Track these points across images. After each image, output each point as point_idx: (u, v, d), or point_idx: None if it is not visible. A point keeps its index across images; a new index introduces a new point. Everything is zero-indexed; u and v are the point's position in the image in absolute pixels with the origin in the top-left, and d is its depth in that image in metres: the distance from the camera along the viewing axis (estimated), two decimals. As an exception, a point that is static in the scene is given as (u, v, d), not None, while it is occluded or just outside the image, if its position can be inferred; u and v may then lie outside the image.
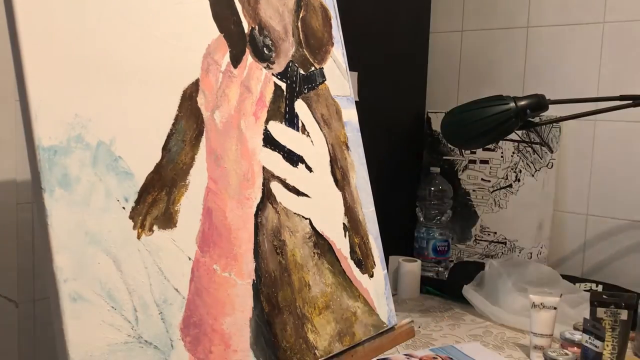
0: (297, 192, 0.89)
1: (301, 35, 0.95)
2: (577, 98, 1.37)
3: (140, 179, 0.68)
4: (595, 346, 1.05)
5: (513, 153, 1.66)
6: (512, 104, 1.23)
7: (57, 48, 0.62)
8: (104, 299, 0.62)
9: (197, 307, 0.71)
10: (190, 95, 0.75)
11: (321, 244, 0.91)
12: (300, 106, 0.93)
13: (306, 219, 0.90)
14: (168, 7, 0.75)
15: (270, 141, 0.86)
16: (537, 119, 1.41)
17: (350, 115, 1.04)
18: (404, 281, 1.60)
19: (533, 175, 1.64)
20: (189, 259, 0.71)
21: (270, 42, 0.89)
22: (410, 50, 1.82)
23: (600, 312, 1.10)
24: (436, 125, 1.80)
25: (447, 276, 1.66)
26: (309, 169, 0.92)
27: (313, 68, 0.97)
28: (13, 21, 0.59)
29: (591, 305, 1.11)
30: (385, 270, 1.05)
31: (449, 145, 1.76)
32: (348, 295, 0.93)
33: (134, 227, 0.66)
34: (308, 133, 0.93)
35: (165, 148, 0.71)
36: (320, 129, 0.96)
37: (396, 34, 1.74)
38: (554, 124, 1.59)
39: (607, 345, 1.08)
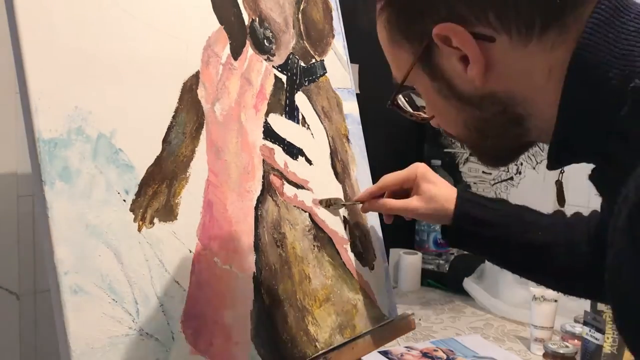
0: (297, 185, 0.89)
1: (302, 27, 0.95)
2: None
3: (141, 172, 0.67)
4: (596, 339, 1.05)
5: (514, 146, 1.66)
6: (514, 97, 1.22)
7: (57, 40, 0.62)
8: (105, 291, 0.62)
9: (198, 300, 0.71)
10: (190, 88, 0.75)
11: (321, 236, 0.91)
12: (300, 98, 0.92)
13: (306, 211, 0.89)
14: (168, -1, 0.75)
15: (270, 134, 0.86)
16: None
17: (351, 107, 1.04)
18: (405, 274, 1.60)
19: (534, 168, 1.63)
20: (190, 251, 0.71)
21: (271, 34, 0.88)
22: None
23: (601, 304, 1.10)
24: (437, 118, 1.80)
25: (447, 269, 1.66)
26: (309, 161, 0.92)
27: (314, 60, 0.97)
28: (13, 13, 0.59)
29: (592, 297, 1.11)
30: (386, 263, 1.05)
31: (450, 138, 1.76)
32: (348, 287, 0.93)
33: (135, 220, 0.66)
34: (308, 126, 0.93)
35: (166, 140, 0.71)
36: (321, 121, 0.96)
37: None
38: (556, 116, 1.58)
39: (608, 338, 1.08)
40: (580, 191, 1.60)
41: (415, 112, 0.72)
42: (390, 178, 0.93)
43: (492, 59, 0.54)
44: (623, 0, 0.52)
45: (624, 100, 0.49)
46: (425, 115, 0.70)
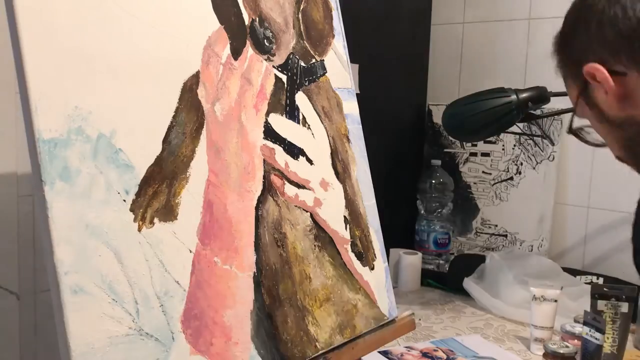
0: (298, 185, 0.89)
1: (302, 27, 0.95)
2: (579, 90, 1.36)
3: (141, 172, 0.67)
4: (596, 339, 1.05)
5: (514, 146, 1.66)
6: (514, 97, 1.22)
7: (56, 40, 0.62)
8: (105, 291, 0.62)
9: (198, 300, 0.71)
10: (190, 88, 0.75)
11: (322, 236, 0.91)
12: (301, 98, 0.92)
13: (307, 211, 0.89)
14: (168, -1, 0.75)
15: (271, 134, 0.86)
16: (538, 112, 1.41)
17: (351, 107, 1.04)
18: (405, 274, 1.60)
19: (534, 168, 1.63)
20: (190, 251, 0.71)
21: (271, 33, 0.88)
22: (412, 42, 1.82)
23: (601, 304, 1.10)
24: (437, 118, 1.80)
25: (447, 269, 1.66)
26: (310, 161, 0.92)
27: (314, 60, 0.97)
28: (13, 13, 0.59)
29: (592, 297, 1.12)
30: (386, 263, 1.05)
31: (450, 138, 1.76)
32: (349, 287, 0.93)
33: (135, 220, 0.66)
34: (309, 126, 0.93)
35: (166, 140, 0.71)
36: (321, 121, 0.96)
37: (397, 26, 1.73)
38: (556, 116, 1.58)
39: (608, 338, 1.08)
40: (581, 189, 1.61)
41: (591, 140, 0.87)
42: None
43: (626, 89, 0.71)
44: None
45: None
46: (600, 142, 0.85)
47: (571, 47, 0.79)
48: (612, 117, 0.75)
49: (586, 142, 0.87)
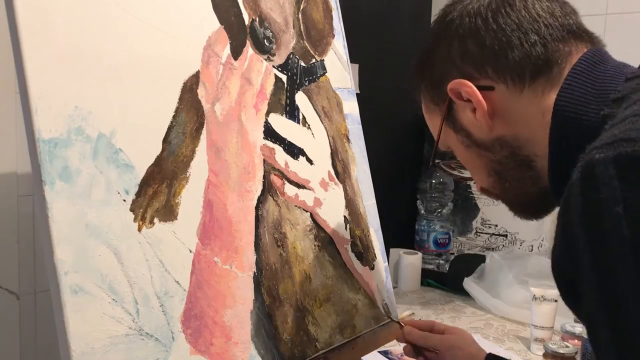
0: (298, 185, 0.89)
1: (302, 27, 0.95)
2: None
3: (141, 172, 0.67)
4: (596, 338, 1.05)
5: (514, 145, 1.66)
6: (514, 96, 1.22)
7: (57, 40, 0.62)
8: (105, 291, 0.62)
9: (198, 300, 0.71)
10: (190, 88, 0.75)
11: (322, 236, 0.91)
12: (301, 98, 0.92)
13: (307, 211, 0.89)
14: (168, -1, 0.75)
15: (271, 133, 0.86)
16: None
17: (351, 107, 1.04)
18: (405, 274, 1.60)
19: (534, 168, 1.63)
20: (190, 251, 0.71)
21: (271, 33, 0.88)
22: (412, 42, 1.82)
23: (601, 304, 1.10)
24: (437, 118, 1.80)
25: (447, 269, 1.66)
26: (310, 161, 0.92)
27: (314, 60, 0.97)
28: (13, 13, 0.59)
29: (592, 297, 1.11)
30: (386, 263, 1.05)
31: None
32: (349, 287, 0.93)
33: (135, 220, 0.66)
34: (309, 125, 0.93)
35: (166, 140, 0.71)
36: (321, 121, 0.96)
37: (397, 26, 1.73)
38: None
39: (608, 338, 1.08)
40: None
41: (455, 173, 0.82)
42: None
43: (495, 106, 0.65)
44: (603, 56, 0.63)
45: (601, 131, 0.54)
46: (466, 175, 0.78)
47: (432, 67, 0.70)
48: (480, 140, 0.67)
49: (451, 174, 0.82)
